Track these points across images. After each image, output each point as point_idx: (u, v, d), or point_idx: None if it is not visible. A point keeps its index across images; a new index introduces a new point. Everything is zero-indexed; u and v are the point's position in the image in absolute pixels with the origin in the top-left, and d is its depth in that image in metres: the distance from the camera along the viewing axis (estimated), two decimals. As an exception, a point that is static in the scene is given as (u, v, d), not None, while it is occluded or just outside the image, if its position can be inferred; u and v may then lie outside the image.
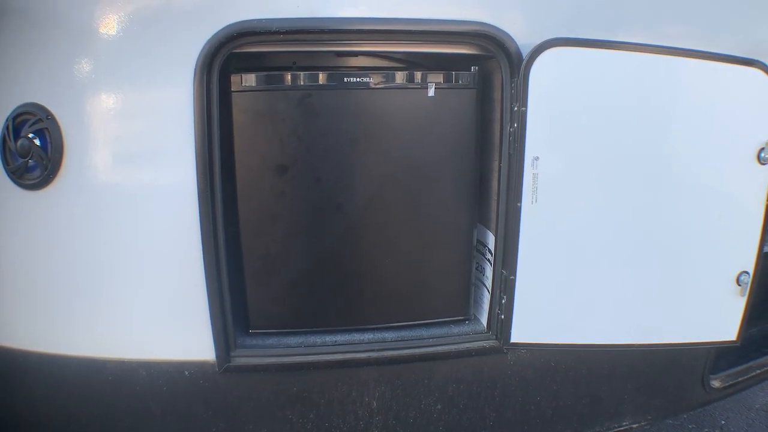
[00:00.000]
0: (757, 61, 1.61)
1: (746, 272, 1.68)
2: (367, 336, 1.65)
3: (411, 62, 1.77)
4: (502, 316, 1.62)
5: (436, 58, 1.68)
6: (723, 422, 2.44)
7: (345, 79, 1.54)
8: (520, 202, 1.54)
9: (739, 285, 1.68)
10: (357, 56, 1.73)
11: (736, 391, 2.06)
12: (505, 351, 1.65)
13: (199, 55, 1.43)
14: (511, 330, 1.61)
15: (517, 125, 1.52)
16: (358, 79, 1.54)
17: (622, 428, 1.87)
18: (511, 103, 1.54)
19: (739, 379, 2.01)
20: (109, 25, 1.45)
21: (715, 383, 1.96)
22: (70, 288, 1.55)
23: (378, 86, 1.55)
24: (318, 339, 1.63)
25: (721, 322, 1.72)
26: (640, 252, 1.64)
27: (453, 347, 1.64)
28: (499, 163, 1.58)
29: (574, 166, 1.56)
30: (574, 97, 1.54)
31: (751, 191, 1.65)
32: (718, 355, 1.96)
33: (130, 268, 1.53)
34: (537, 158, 1.53)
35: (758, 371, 2.06)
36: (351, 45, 1.56)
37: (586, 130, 1.56)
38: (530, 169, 1.53)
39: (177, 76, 1.45)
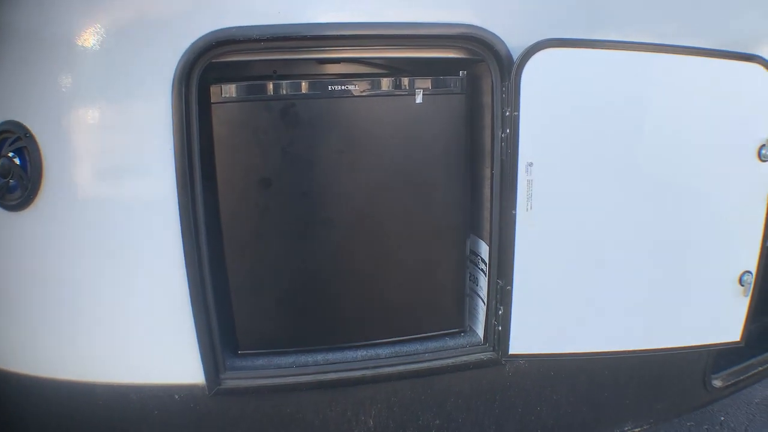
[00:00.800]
0: (757, 56, 1.50)
1: (749, 272, 1.57)
2: (361, 353, 1.54)
3: (397, 68, 1.64)
4: (500, 328, 1.51)
5: (423, 63, 1.56)
6: (722, 418, 2.34)
7: (329, 87, 1.42)
8: (515, 209, 1.43)
9: (742, 285, 1.58)
10: (340, 63, 1.60)
11: (739, 389, 1.96)
12: (503, 363, 1.54)
13: (177, 66, 1.31)
14: (509, 341, 1.51)
15: (510, 130, 1.41)
16: (342, 87, 1.42)
17: (624, 433, 1.76)
18: (503, 108, 1.42)
19: (741, 377, 1.91)
20: (85, 40, 1.33)
21: (717, 383, 1.86)
22: (58, 310, 1.44)
23: (363, 94, 1.43)
24: (310, 358, 1.52)
25: (725, 323, 1.62)
26: (640, 256, 1.53)
27: (450, 361, 1.53)
28: (492, 170, 1.47)
29: (570, 171, 1.45)
30: (569, 99, 1.43)
31: (752, 189, 1.55)
32: (719, 354, 1.86)
33: (114, 289, 1.42)
34: (531, 164, 1.42)
35: (760, 368, 1.96)
36: (335, 51, 1.45)
37: (582, 133, 1.45)
38: (524, 176, 1.42)
39: (155, 89, 1.33)
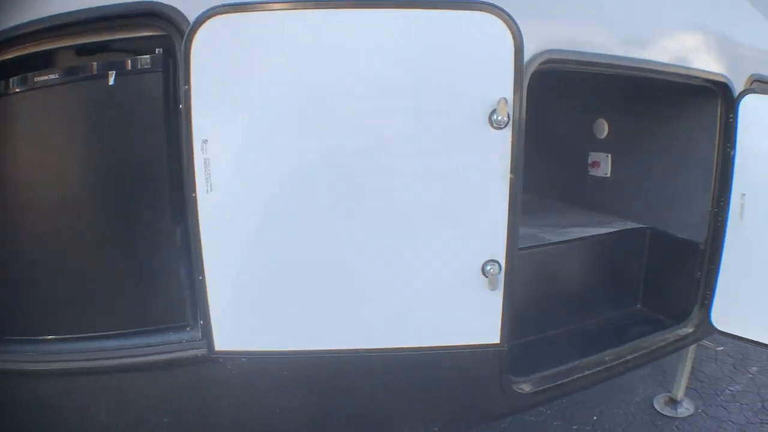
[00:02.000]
0: (487, 3, 1.17)
1: (494, 261, 1.23)
2: (92, 345, 1.38)
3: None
4: (202, 322, 1.28)
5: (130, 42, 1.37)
6: (595, 418, 1.92)
7: (35, 79, 1.29)
8: (195, 192, 1.21)
9: (486, 276, 1.23)
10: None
11: (562, 394, 1.59)
12: (221, 360, 1.32)
13: None
14: (214, 336, 1.28)
15: (183, 105, 1.19)
16: (44, 78, 1.29)
17: (402, 440, 1.47)
18: (181, 82, 1.20)
19: (560, 381, 1.54)
20: None
21: (525, 387, 1.51)
22: None
23: (59, 83, 1.28)
24: (47, 347, 1.38)
25: (477, 322, 1.28)
26: (354, 244, 1.25)
27: (162, 357, 1.33)
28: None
29: (254, 148, 1.21)
30: (250, 69, 1.19)
31: (487, 163, 1.21)
32: (532, 358, 1.52)
33: None
34: (206, 141, 1.19)
35: (587, 372, 1.57)
36: (31, 46, 1.31)
37: (267, 106, 1.20)
38: (201, 154, 1.19)
39: None
